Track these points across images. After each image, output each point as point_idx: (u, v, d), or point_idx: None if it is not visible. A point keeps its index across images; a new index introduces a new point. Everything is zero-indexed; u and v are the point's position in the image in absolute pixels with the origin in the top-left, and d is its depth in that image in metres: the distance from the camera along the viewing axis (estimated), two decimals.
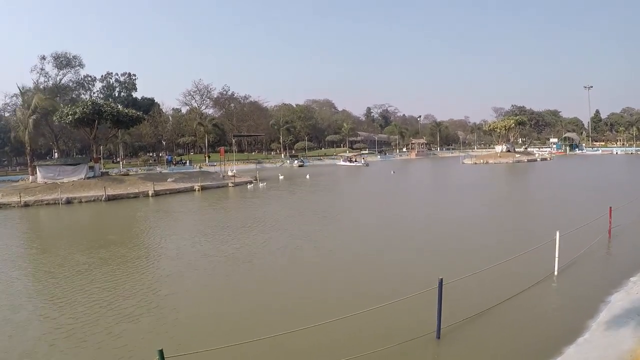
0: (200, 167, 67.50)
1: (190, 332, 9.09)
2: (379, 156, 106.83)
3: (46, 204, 34.80)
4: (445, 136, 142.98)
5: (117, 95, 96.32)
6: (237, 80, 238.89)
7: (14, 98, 67.19)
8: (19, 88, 51.37)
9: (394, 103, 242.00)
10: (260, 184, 45.23)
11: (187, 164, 79.82)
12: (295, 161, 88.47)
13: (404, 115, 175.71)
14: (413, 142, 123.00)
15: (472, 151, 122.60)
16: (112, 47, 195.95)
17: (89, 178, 41.28)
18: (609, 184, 35.78)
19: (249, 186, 44.51)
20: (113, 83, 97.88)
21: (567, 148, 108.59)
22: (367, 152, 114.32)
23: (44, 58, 77.18)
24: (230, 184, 45.85)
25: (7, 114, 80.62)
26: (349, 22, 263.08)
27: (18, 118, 48.25)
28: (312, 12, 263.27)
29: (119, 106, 55.21)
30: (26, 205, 34.19)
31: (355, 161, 79.50)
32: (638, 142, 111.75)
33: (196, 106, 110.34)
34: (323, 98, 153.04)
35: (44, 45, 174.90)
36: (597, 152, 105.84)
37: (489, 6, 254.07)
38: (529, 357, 7.66)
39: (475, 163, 76.26)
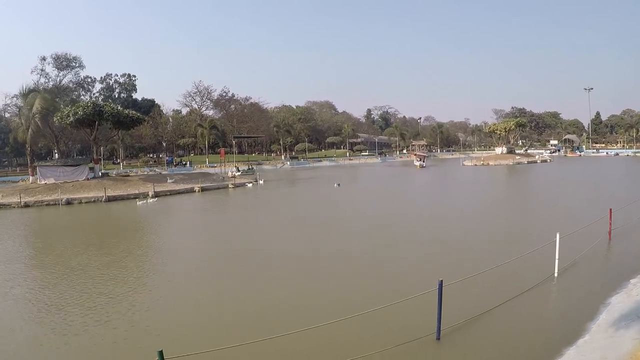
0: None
1: (191, 332, 9.09)
2: (379, 158, 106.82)
3: (46, 204, 34.80)
4: (445, 138, 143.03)
5: (117, 96, 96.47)
6: (237, 82, 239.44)
7: (15, 99, 67.37)
8: (19, 91, 51.41)
9: (395, 105, 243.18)
10: (151, 200, 34.76)
11: (188, 165, 79.88)
12: (234, 170, 57.82)
13: (404, 116, 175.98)
14: (413, 143, 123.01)
15: (473, 153, 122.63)
16: (111, 47, 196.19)
17: (89, 179, 41.32)
18: (609, 185, 35.79)
19: (139, 203, 33.45)
20: (112, 84, 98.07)
21: (580, 150, 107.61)
22: (367, 153, 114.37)
23: (44, 59, 77.49)
24: (230, 185, 45.87)
25: (7, 115, 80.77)
26: (349, 23, 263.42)
27: (22, 117, 48.22)
28: (314, 11, 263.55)
29: (119, 107, 55.30)
30: (26, 205, 34.21)
31: (420, 160, 75.42)
32: (638, 144, 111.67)
33: (196, 107, 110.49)
34: (323, 99, 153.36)
35: (45, 46, 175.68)
36: (607, 153, 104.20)
37: (489, 7, 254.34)
38: (529, 358, 7.67)
39: (476, 165, 76.26)
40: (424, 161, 75.62)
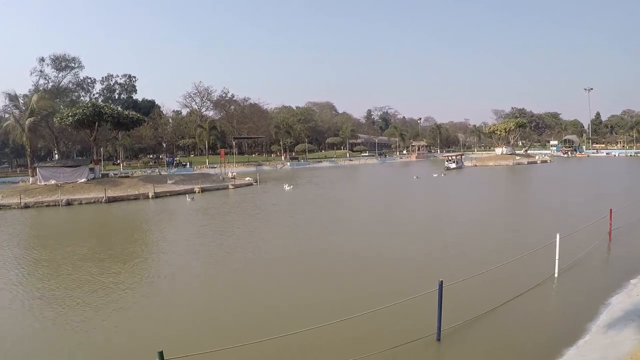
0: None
1: (191, 332, 9.08)
2: (378, 159, 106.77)
3: (46, 205, 34.80)
4: (445, 138, 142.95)
5: (117, 97, 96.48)
6: (237, 82, 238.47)
7: (14, 100, 67.27)
8: (8, 94, 50.86)
9: (394, 105, 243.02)
10: None
11: (188, 166, 79.87)
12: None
13: (404, 117, 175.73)
14: (413, 144, 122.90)
15: (473, 153, 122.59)
16: (111, 47, 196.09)
17: (89, 180, 41.31)
18: (610, 185, 35.78)
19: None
20: (113, 85, 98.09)
21: (581, 150, 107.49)
22: (367, 154, 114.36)
23: (42, 60, 77.32)
24: (230, 186, 45.85)
25: (7, 115, 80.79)
26: (349, 23, 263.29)
27: (11, 123, 48.19)
28: (314, 11, 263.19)
29: (119, 108, 55.24)
30: (26, 206, 34.21)
31: (450, 161, 69.89)
32: (638, 145, 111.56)
33: (196, 108, 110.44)
34: (323, 100, 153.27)
35: (46, 46, 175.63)
36: (607, 153, 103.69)
37: (489, 7, 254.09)
38: (530, 358, 7.66)
39: (476, 165, 76.23)
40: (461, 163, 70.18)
